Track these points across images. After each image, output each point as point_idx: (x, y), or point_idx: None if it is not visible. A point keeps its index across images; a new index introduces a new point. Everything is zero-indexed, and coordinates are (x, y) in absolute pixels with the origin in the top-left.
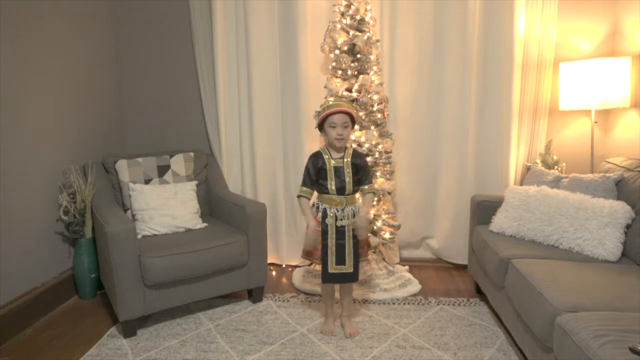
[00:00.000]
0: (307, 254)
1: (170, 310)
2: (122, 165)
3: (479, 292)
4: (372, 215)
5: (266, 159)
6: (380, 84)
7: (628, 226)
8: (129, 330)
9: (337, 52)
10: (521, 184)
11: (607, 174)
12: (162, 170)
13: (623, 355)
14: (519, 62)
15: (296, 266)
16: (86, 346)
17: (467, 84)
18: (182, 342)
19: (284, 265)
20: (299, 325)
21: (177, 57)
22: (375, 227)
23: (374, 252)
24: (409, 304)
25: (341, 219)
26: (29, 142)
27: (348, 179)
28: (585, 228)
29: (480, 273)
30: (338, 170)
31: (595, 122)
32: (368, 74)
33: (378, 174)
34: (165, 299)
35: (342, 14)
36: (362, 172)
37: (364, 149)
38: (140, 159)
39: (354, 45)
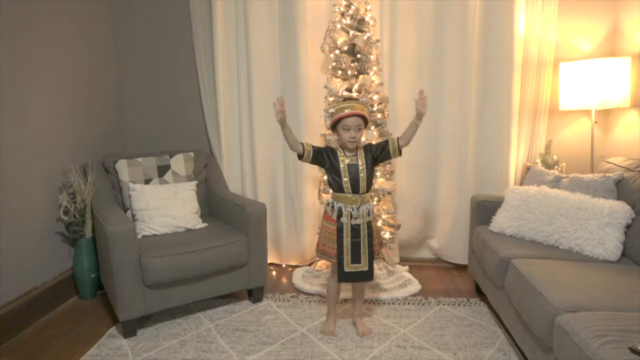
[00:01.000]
0: (322, 252)
1: (170, 310)
2: (122, 165)
3: (479, 292)
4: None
5: (266, 159)
6: (380, 84)
7: (628, 226)
8: (129, 330)
9: (337, 52)
10: (521, 184)
11: (607, 174)
12: (162, 170)
13: (623, 355)
14: (519, 62)
15: (296, 266)
16: (86, 346)
17: (467, 84)
18: (182, 342)
19: (284, 265)
20: (299, 325)
21: (177, 57)
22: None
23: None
24: (409, 304)
25: (356, 218)
26: (29, 142)
27: (362, 174)
28: (585, 228)
29: (480, 273)
30: (352, 167)
31: (595, 122)
32: (368, 74)
33: (378, 174)
34: (165, 299)
35: (342, 14)
36: (378, 144)
37: None
38: (140, 159)
39: (354, 45)
